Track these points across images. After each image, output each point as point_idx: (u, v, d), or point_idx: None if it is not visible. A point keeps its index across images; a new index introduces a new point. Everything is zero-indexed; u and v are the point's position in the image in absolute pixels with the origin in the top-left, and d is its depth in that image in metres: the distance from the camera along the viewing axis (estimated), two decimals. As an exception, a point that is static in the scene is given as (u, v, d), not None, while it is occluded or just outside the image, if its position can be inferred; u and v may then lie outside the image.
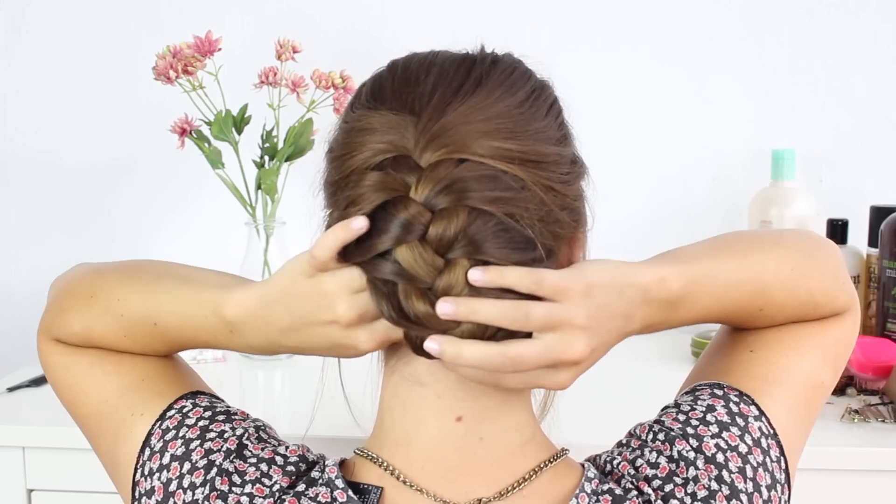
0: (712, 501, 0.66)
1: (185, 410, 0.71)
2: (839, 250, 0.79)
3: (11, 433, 1.15)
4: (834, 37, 1.55)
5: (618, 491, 0.66)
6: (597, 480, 0.67)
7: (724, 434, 0.68)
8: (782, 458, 0.70)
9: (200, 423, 0.70)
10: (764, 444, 0.69)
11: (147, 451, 0.70)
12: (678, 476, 0.66)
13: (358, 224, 0.61)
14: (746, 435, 0.69)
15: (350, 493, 0.64)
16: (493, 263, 0.60)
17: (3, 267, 1.69)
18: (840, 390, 1.22)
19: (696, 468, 0.67)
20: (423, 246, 0.60)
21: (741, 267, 0.71)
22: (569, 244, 0.68)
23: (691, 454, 0.67)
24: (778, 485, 0.69)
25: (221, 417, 0.71)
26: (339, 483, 0.65)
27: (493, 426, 0.66)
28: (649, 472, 0.67)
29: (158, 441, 0.69)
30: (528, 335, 0.62)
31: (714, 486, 0.66)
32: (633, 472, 0.67)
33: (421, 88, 0.64)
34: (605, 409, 1.18)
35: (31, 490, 1.15)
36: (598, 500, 0.65)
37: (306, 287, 0.64)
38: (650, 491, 0.66)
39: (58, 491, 1.15)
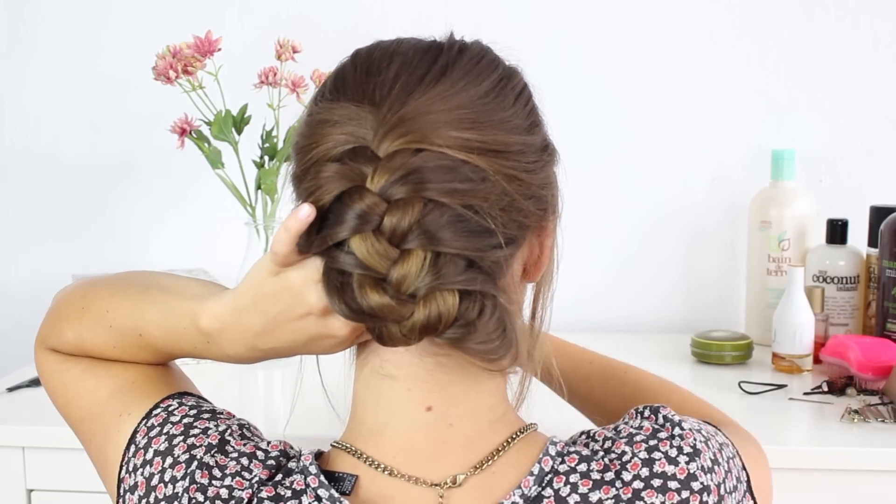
0: (697, 458, 0.66)
1: (170, 409, 0.72)
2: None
3: (11, 433, 1.15)
4: (833, 37, 1.55)
5: (585, 452, 0.66)
6: (562, 443, 0.67)
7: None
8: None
9: (185, 420, 0.70)
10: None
11: (132, 448, 0.70)
12: (663, 432, 0.67)
13: (304, 213, 0.62)
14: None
15: (322, 478, 0.65)
16: (448, 253, 0.60)
17: (3, 267, 1.69)
18: (840, 390, 1.22)
19: (682, 428, 0.68)
20: (377, 236, 0.59)
21: None
22: (537, 233, 0.68)
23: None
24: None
25: (206, 416, 0.71)
26: (313, 469, 0.65)
27: (462, 412, 0.67)
28: (633, 430, 0.68)
29: (143, 438, 0.70)
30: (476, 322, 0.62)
31: (700, 446, 0.67)
32: (611, 434, 0.68)
33: (382, 78, 0.64)
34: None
35: (31, 490, 1.15)
36: (563, 461, 0.66)
37: (274, 285, 0.65)
38: (627, 449, 0.66)
39: (58, 491, 1.15)
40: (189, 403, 0.72)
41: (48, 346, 0.80)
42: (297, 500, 0.64)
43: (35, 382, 1.30)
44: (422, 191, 0.59)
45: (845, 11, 1.55)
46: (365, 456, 0.66)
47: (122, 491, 0.70)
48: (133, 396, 0.74)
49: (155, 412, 0.71)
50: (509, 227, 0.63)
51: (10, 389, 1.27)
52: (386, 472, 0.65)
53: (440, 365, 0.66)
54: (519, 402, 0.74)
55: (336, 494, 0.64)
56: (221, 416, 0.72)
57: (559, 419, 0.84)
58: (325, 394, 0.75)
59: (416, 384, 0.66)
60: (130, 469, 0.70)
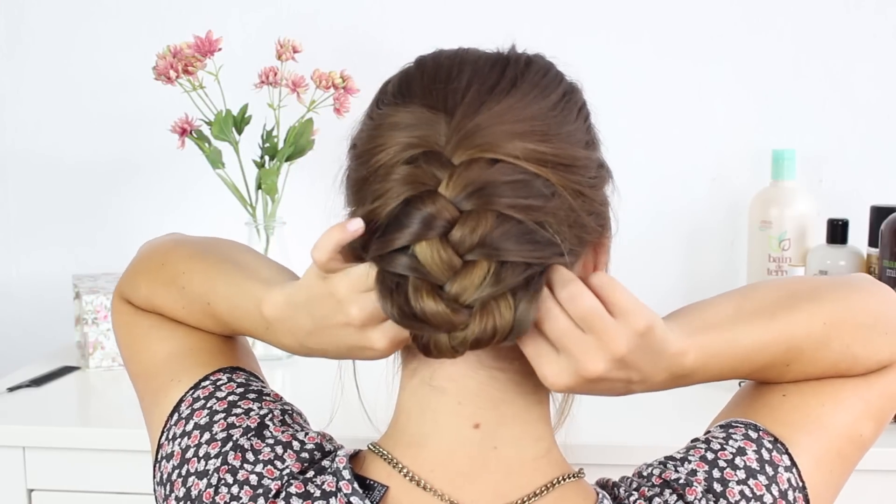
0: None
1: (219, 383, 0.72)
2: (891, 295, 0.73)
3: (11, 433, 1.15)
4: (834, 36, 1.55)
5: None
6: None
7: (751, 481, 0.66)
8: None
9: (230, 398, 0.71)
10: (790, 497, 0.67)
11: (175, 417, 0.71)
12: None
13: (354, 226, 0.60)
14: (774, 486, 0.67)
15: (356, 485, 0.64)
16: (510, 261, 0.59)
17: (3, 267, 1.69)
18: (840, 390, 1.21)
19: None
20: (443, 243, 0.58)
21: (766, 330, 0.68)
22: (594, 249, 0.67)
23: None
24: None
25: (252, 395, 0.71)
26: (346, 474, 0.65)
27: (509, 435, 0.66)
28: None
29: (187, 408, 0.71)
30: None
31: None
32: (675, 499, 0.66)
33: (454, 85, 0.63)
34: (610, 409, 1.18)
35: (32, 490, 1.16)
36: None
37: (322, 289, 0.63)
38: None
39: (58, 491, 1.15)
40: (238, 380, 0.73)
41: (123, 295, 0.81)
42: (325, 501, 0.64)
43: (35, 382, 1.30)
44: (495, 204, 0.58)
45: (846, 10, 1.55)
46: (401, 466, 0.65)
47: (159, 457, 0.71)
48: (188, 363, 0.74)
49: (203, 384, 0.72)
50: (573, 243, 0.62)
51: (11, 389, 1.27)
52: (420, 486, 0.65)
53: (493, 379, 0.65)
54: (561, 421, 0.73)
55: None
56: (267, 399, 0.72)
57: (598, 437, 0.80)
58: (359, 399, 0.75)
59: (467, 398, 0.65)
60: (170, 437, 0.70)
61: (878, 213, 1.38)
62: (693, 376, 0.66)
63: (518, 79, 0.64)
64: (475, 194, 0.58)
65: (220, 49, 1.37)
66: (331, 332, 0.64)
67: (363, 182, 0.63)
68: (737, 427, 0.70)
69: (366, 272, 0.61)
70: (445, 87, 0.63)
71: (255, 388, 0.72)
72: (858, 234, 1.42)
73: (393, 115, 0.63)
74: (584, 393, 0.64)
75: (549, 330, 0.60)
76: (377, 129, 0.63)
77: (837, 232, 1.40)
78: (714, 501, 0.65)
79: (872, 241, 1.39)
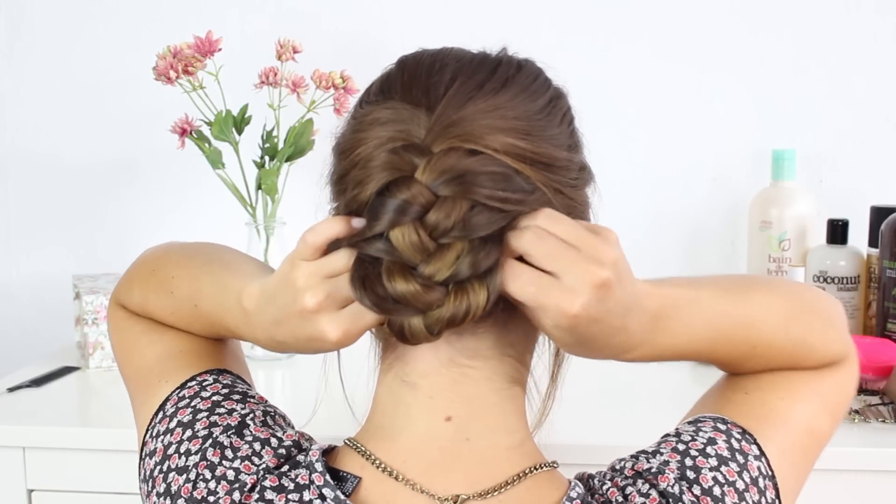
0: None
1: (204, 383, 0.73)
2: (838, 305, 0.78)
3: (11, 433, 1.15)
4: (834, 36, 1.55)
5: None
6: (579, 501, 0.66)
7: (723, 468, 0.67)
8: (777, 501, 0.69)
9: (214, 398, 0.72)
10: (761, 484, 0.68)
11: (160, 415, 0.72)
12: None
13: (358, 223, 0.61)
14: (745, 472, 0.68)
15: (327, 477, 0.65)
16: (486, 237, 0.60)
17: (4, 267, 1.70)
18: (840, 390, 1.21)
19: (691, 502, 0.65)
20: (416, 227, 0.59)
21: (727, 302, 0.71)
22: None
23: (684, 491, 0.66)
24: None
25: (237, 397, 0.72)
26: (318, 466, 0.65)
27: (481, 427, 0.66)
28: (637, 499, 0.66)
29: (172, 407, 0.72)
30: None
31: None
32: (621, 499, 0.66)
33: (436, 79, 0.64)
34: (602, 406, 1.18)
35: (32, 490, 1.15)
36: None
37: (286, 277, 0.64)
38: None
39: (58, 491, 1.15)
40: (224, 382, 0.74)
41: (118, 301, 0.83)
42: (298, 494, 0.65)
43: (35, 382, 1.30)
44: (473, 193, 0.59)
45: (846, 10, 1.55)
46: (374, 458, 0.66)
47: (143, 454, 0.72)
48: (176, 365, 0.75)
49: (189, 384, 0.73)
50: None
51: (11, 389, 1.27)
52: (392, 476, 0.65)
53: (466, 377, 0.66)
54: (541, 422, 0.74)
55: (342, 496, 0.64)
56: (251, 400, 0.72)
57: (578, 436, 0.82)
58: (343, 393, 0.75)
59: (439, 393, 0.66)
60: (154, 434, 0.71)
61: (878, 213, 1.38)
62: (665, 321, 0.67)
63: (508, 80, 0.65)
64: (454, 181, 0.59)
65: (220, 49, 1.37)
66: (291, 322, 0.65)
67: (345, 174, 0.64)
68: (705, 421, 0.71)
69: (332, 259, 0.63)
70: (426, 82, 0.64)
71: (240, 390, 0.73)
72: (858, 234, 1.42)
73: (374, 112, 0.64)
74: (588, 330, 0.62)
75: (540, 251, 0.60)
76: (359, 125, 0.65)
77: (837, 232, 1.40)
78: (688, 487, 0.66)
79: (872, 241, 1.39)
